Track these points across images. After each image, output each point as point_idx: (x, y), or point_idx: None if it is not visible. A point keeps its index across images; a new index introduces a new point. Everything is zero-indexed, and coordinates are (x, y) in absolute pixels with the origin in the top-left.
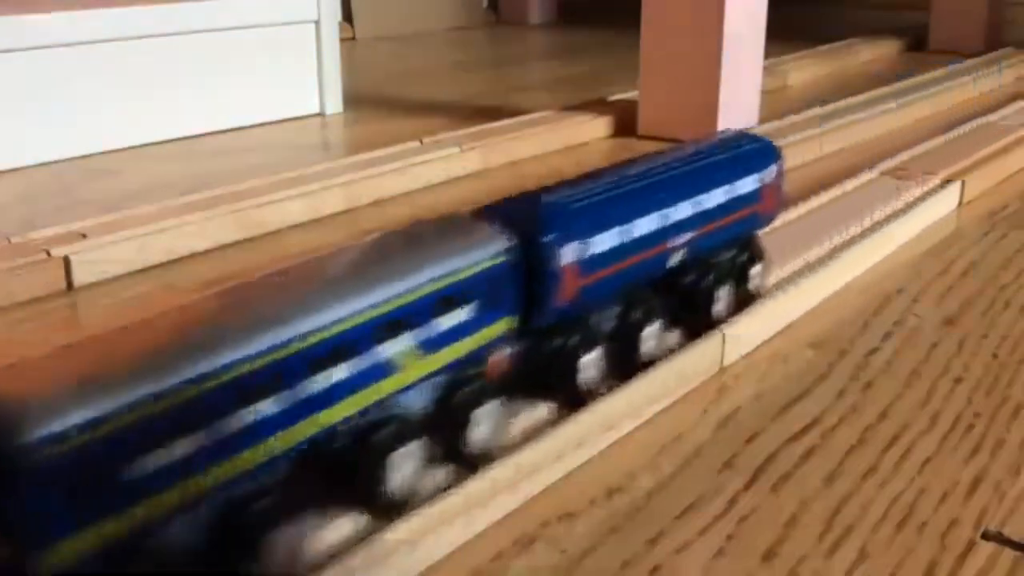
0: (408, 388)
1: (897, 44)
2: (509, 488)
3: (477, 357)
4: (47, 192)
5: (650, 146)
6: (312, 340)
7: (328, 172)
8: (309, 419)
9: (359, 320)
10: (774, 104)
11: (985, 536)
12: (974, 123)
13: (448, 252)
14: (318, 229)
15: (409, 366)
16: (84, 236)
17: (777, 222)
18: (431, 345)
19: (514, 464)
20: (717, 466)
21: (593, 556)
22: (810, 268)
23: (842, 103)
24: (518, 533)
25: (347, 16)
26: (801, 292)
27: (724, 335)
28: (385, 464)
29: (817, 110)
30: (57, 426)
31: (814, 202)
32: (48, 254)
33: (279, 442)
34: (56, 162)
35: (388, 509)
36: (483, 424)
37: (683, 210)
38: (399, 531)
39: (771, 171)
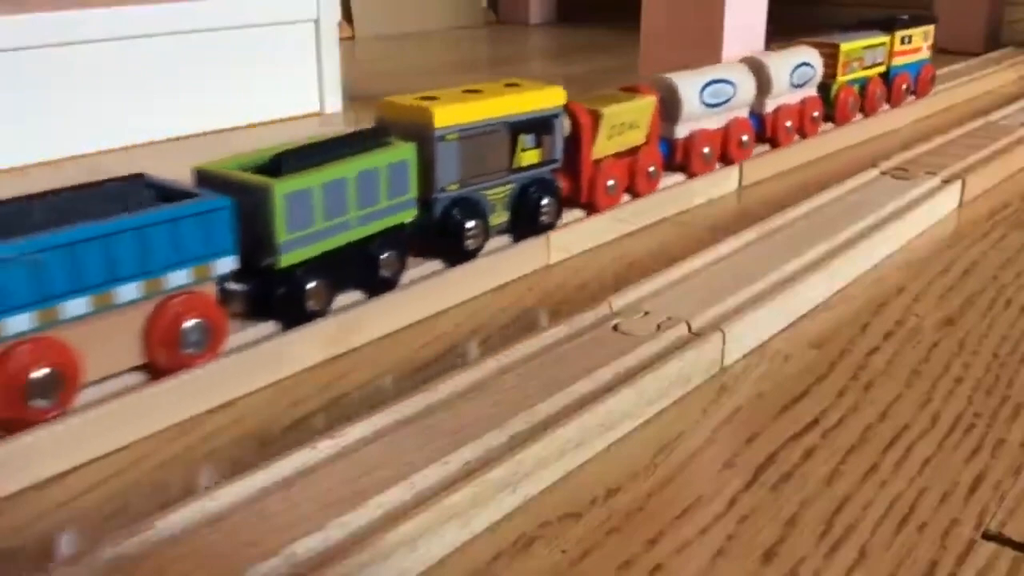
0: None
1: None
2: (509, 488)
3: None
4: None
5: None
6: None
7: None
8: None
9: None
10: None
11: (985, 536)
12: (974, 123)
13: None
14: None
15: None
16: None
17: (778, 221)
18: None
19: (514, 464)
20: (717, 466)
21: (593, 556)
22: (810, 268)
23: None
24: (518, 533)
25: (347, 15)
26: (801, 292)
27: (724, 335)
28: None
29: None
30: None
31: (814, 202)
32: None
33: None
34: (56, 161)
35: None
36: None
37: None
38: (399, 531)
39: None
